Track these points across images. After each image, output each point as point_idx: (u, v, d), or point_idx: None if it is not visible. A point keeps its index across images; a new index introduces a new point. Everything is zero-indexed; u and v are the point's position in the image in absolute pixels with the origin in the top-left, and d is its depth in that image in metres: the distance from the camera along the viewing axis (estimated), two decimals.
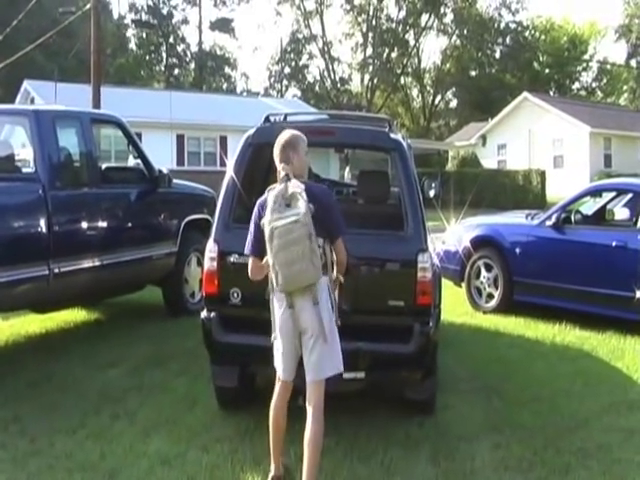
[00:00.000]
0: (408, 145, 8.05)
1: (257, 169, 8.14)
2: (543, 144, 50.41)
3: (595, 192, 13.59)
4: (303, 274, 5.49)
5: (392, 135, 7.43)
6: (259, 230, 5.68)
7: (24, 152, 9.84)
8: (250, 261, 5.90)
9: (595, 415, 7.76)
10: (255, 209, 5.88)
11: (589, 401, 8.17)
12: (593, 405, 8.05)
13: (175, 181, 11.82)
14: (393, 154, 7.23)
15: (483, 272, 12.74)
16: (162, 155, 33.75)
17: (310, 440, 5.67)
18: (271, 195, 5.65)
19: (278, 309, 5.78)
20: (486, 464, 6.51)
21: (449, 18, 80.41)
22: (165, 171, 11.41)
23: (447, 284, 13.15)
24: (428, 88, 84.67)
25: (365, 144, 8.24)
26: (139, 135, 37.08)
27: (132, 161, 11.60)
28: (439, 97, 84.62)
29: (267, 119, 7.77)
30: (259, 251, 5.78)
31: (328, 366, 5.76)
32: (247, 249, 5.91)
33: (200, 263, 10.85)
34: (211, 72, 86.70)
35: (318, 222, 5.56)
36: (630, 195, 12.72)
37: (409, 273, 6.70)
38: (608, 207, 12.82)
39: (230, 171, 7.27)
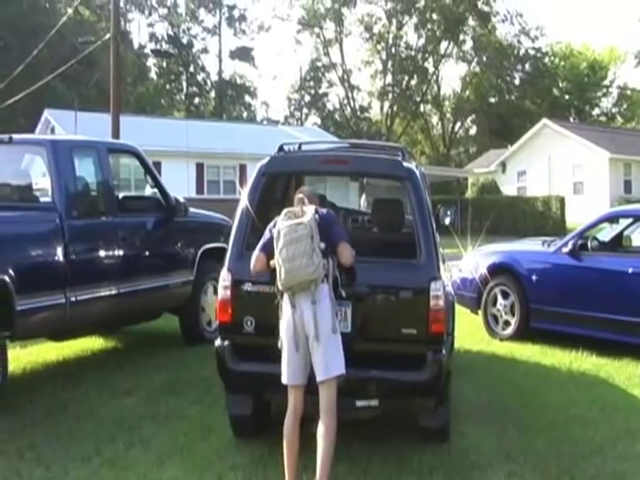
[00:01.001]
0: (422, 174, 8.08)
1: (271, 198, 8.21)
2: (563, 170, 50.31)
3: (612, 218, 13.59)
4: (303, 269, 5.96)
5: (405, 164, 7.46)
6: (270, 235, 6.29)
7: (42, 181, 9.92)
8: (256, 254, 6.42)
9: (610, 442, 7.73)
10: (272, 222, 6.39)
11: (604, 428, 8.14)
12: (608, 432, 8.02)
13: (191, 210, 11.87)
14: (406, 182, 7.25)
15: (500, 299, 12.72)
16: (181, 184, 33.94)
17: (323, 434, 5.96)
18: (284, 210, 6.27)
19: (285, 315, 6.15)
20: None
21: (468, 45, 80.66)
22: (181, 200, 11.48)
23: (464, 311, 13.20)
24: (448, 115, 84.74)
25: (378, 173, 8.29)
26: (158, 164, 37.51)
27: (149, 190, 11.68)
28: (459, 124, 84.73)
29: (281, 148, 7.80)
30: (267, 251, 6.33)
31: (334, 366, 6.07)
32: (257, 248, 6.45)
33: (217, 291, 10.87)
34: (231, 101, 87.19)
35: (322, 231, 6.12)
36: None
37: (422, 301, 6.71)
38: (625, 233, 12.79)
39: (244, 200, 7.32)
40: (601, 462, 7.18)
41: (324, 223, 6.23)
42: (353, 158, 7.89)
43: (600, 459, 7.26)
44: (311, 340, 6.06)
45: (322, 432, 5.98)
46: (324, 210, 6.49)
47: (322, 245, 6.10)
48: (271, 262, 6.23)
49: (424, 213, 7.06)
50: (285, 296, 6.15)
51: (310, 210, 6.21)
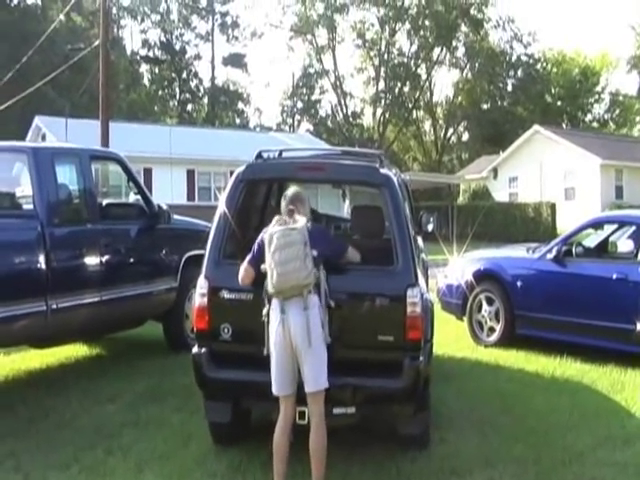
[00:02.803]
0: (401, 180, 8.08)
1: (249, 205, 8.20)
2: (554, 176, 50.37)
3: (597, 224, 13.60)
4: (295, 273, 5.99)
5: (382, 170, 7.44)
6: (260, 247, 6.35)
7: (24, 189, 9.91)
8: (244, 266, 6.52)
9: (590, 449, 7.73)
10: (261, 234, 6.40)
11: (585, 435, 8.14)
12: (589, 439, 8.01)
13: (175, 217, 11.87)
14: (383, 189, 7.25)
15: (485, 306, 12.72)
16: (172, 190, 33.95)
17: (316, 447, 6.03)
18: (276, 217, 6.35)
19: (274, 321, 6.13)
20: None
21: (461, 52, 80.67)
22: (164, 207, 11.47)
23: (450, 318, 13.21)
24: (440, 122, 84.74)
25: (354, 179, 8.28)
26: (149, 171, 37.54)
27: (133, 197, 11.68)
28: (451, 130, 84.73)
29: (259, 155, 7.80)
30: (255, 262, 6.43)
31: (323, 377, 6.14)
32: (246, 260, 6.52)
33: None
34: (224, 107, 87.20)
35: (313, 240, 6.16)
36: (632, 227, 12.70)
37: (398, 308, 6.70)
38: (610, 239, 12.79)
39: (221, 207, 7.33)
40: (580, 469, 7.19)
41: (316, 233, 6.32)
42: (329, 165, 7.89)
43: (579, 465, 7.26)
44: (301, 348, 6.05)
45: (315, 444, 6.04)
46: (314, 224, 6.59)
47: (314, 252, 6.14)
48: (262, 266, 6.26)
49: (401, 220, 7.06)
50: (274, 302, 6.16)
51: (302, 219, 6.27)
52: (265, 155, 7.84)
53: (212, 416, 7.42)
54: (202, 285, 7.00)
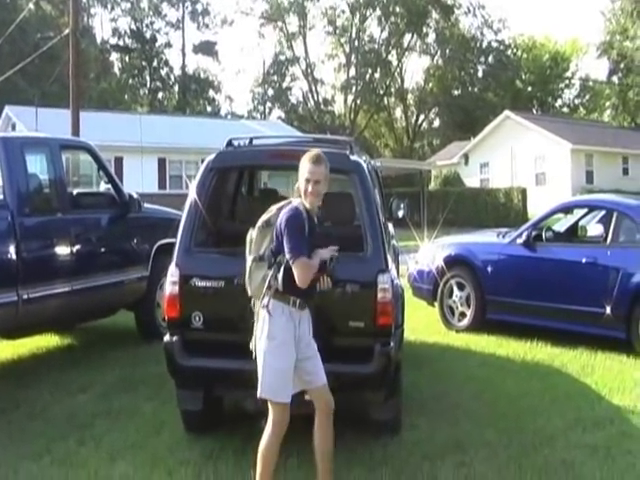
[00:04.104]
0: (371, 167, 8.10)
1: (219, 193, 8.19)
2: (525, 162, 50.67)
3: (566, 209, 13.67)
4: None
5: (352, 157, 7.47)
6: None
7: None
8: (304, 260, 5.61)
9: (560, 432, 7.80)
10: (300, 218, 5.67)
11: (556, 418, 8.21)
12: (559, 422, 8.08)
13: (146, 205, 11.85)
14: (352, 176, 7.27)
15: (455, 291, 12.80)
16: (143, 179, 33.84)
17: (324, 453, 5.95)
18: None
19: (279, 317, 5.69)
20: None
21: (431, 38, 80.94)
22: (135, 195, 11.44)
23: (421, 304, 13.26)
24: (411, 108, 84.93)
25: None
26: (120, 159, 37.40)
27: (103, 186, 11.65)
28: (422, 117, 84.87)
29: (230, 143, 7.80)
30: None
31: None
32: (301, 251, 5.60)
33: None
34: (195, 95, 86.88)
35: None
36: (602, 212, 12.78)
37: (369, 294, 6.73)
38: (580, 224, 12.87)
39: (192, 195, 7.32)
40: (550, 452, 7.24)
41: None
42: (300, 152, 7.88)
43: (549, 449, 7.32)
44: (307, 344, 5.87)
45: (326, 444, 5.94)
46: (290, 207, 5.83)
47: None
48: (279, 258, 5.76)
49: (371, 206, 7.09)
50: (293, 299, 5.74)
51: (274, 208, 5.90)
52: (236, 143, 7.85)
53: (184, 404, 7.41)
54: (173, 273, 6.99)
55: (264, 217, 5.90)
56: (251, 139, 8.22)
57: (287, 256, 5.55)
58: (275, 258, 5.69)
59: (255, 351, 5.80)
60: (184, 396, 7.34)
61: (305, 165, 5.75)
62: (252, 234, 5.91)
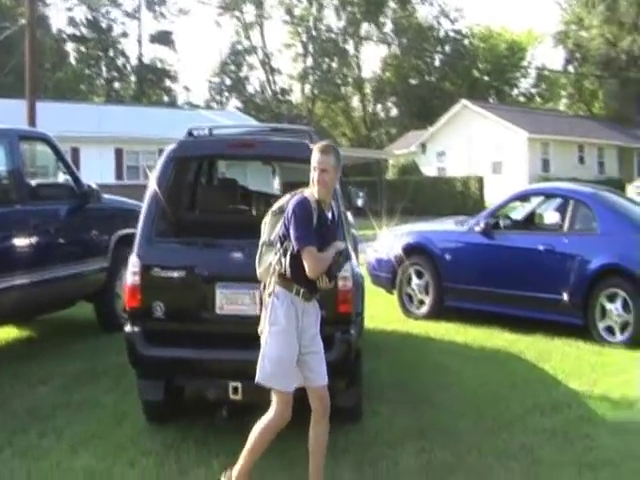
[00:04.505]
0: None
1: (179, 183, 8.20)
2: (482, 150, 50.89)
3: (523, 197, 13.78)
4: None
5: (311, 146, 7.50)
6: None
7: None
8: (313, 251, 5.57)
9: (519, 417, 7.90)
10: (307, 206, 5.64)
11: (514, 403, 8.31)
12: (518, 407, 8.19)
13: (106, 196, 11.79)
14: None
15: (414, 279, 12.87)
16: (100, 169, 33.64)
17: (317, 450, 5.95)
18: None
19: (281, 303, 5.68)
20: (409, 469, 6.60)
21: (389, 27, 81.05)
22: (94, 186, 11.38)
23: (380, 292, 13.32)
24: (368, 97, 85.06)
25: (284, 156, 8.34)
26: (77, 150, 37.10)
27: (62, 177, 11.58)
28: (380, 106, 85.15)
29: (190, 133, 7.81)
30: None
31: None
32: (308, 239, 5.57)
33: None
34: (151, 85, 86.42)
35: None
36: (558, 199, 12.90)
37: None
38: (537, 212, 12.99)
39: (152, 185, 7.32)
40: (510, 436, 7.34)
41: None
42: (259, 142, 7.93)
43: (509, 433, 7.42)
44: (312, 338, 5.82)
45: (321, 442, 5.95)
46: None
47: None
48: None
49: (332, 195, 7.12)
50: (297, 288, 5.70)
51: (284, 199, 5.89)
52: (196, 133, 7.86)
53: (145, 394, 7.41)
54: (134, 263, 7.00)
55: (278, 203, 5.94)
56: (210, 129, 8.23)
57: (293, 243, 5.56)
58: (282, 244, 5.69)
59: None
60: (145, 386, 7.34)
61: (315, 155, 5.74)
62: (266, 219, 5.94)
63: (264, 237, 5.90)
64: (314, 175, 5.68)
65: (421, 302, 12.85)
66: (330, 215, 5.89)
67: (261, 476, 6.15)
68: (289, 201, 5.75)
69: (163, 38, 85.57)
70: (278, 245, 5.72)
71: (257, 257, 5.90)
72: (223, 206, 8.85)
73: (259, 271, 5.89)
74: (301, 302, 5.70)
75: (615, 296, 10.93)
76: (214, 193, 9.39)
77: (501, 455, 6.87)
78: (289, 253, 5.62)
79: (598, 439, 7.29)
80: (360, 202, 9.68)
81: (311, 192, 5.70)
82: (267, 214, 5.96)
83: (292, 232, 5.57)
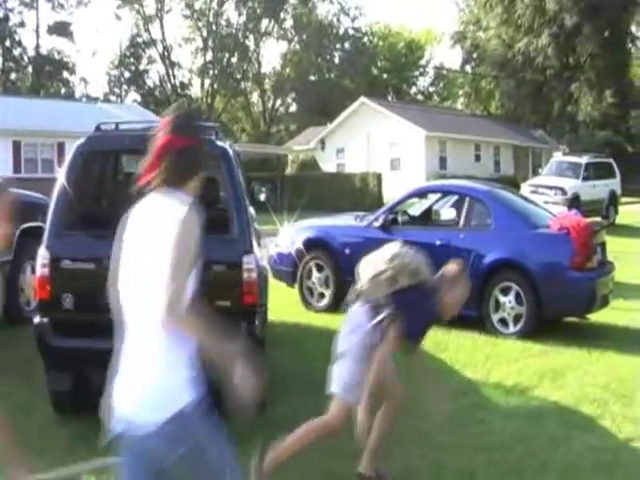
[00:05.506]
0: (235, 152, 8.34)
1: (89, 177, 8.31)
2: (381, 147, 51.43)
3: (420, 194, 14.15)
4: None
5: (218, 143, 7.71)
6: None
7: None
8: None
9: (416, 405, 8.17)
10: None
11: (413, 391, 8.59)
12: (417, 394, 8.48)
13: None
14: (219, 161, 7.49)
15: (315, 273, 13.15)
16: None
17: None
18: None
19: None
20: (312, 453, 6.83)
21: (289, 23, 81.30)
22: None
23: (281, 286, 13.53)
24: (268, 93, 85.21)
25: None
26: None
27: None
28: (279, 102, 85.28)
29: (98, 128, 7.95)
30: None
31: None
32: None
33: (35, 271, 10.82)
34: (49, 77, 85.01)
35: None
36: (454, 196, 13.30)
37: (235, 274, 7.01)
38: (434, 208, 13.37)
39: (61, 179, 7.43)
40: (408, 422, 7.51)
41: None
42: None
43: (407, 419, 7.56)
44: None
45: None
46: None
47: None
48: None
49: (237, 190, 7.34)
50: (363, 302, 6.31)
51: None
52: (104, 127, 7.99)
53: (53, 385, 7.52)
54: (43, 255, 7.10)
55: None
56: (117, 124, 8.38)
57: None
58: None
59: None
60: (54, 377, 7.45)
61: None
62: None
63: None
64: None
65: (321, 295, 13.13)
66: None
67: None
68: None
69: (61, 29, 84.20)
70: None
71: None
72: (129, 199, 8.95)
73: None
74: None
75: (508, 289, 11.38)
76: (120, 187, 9.51)
77: (400, 440, 7.14)
78: None
79: (492, 424, 7.69)
80: (263, 197, 9.89)
81: None
82: None
83: None
